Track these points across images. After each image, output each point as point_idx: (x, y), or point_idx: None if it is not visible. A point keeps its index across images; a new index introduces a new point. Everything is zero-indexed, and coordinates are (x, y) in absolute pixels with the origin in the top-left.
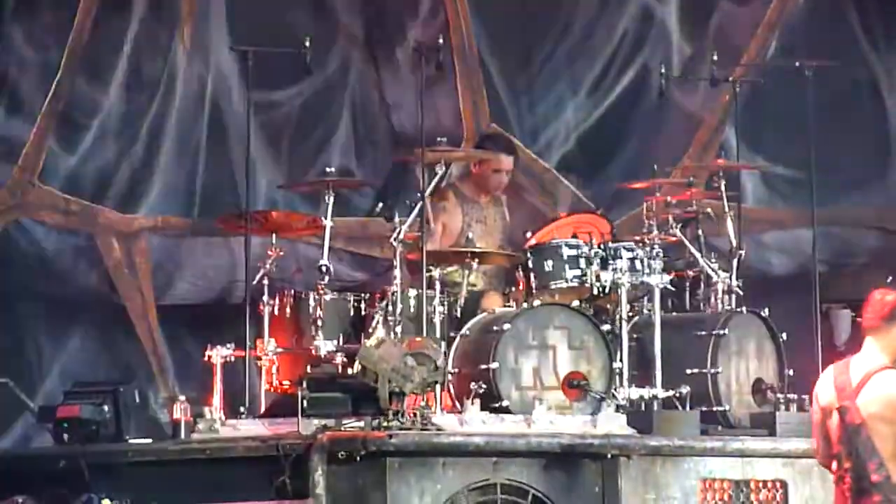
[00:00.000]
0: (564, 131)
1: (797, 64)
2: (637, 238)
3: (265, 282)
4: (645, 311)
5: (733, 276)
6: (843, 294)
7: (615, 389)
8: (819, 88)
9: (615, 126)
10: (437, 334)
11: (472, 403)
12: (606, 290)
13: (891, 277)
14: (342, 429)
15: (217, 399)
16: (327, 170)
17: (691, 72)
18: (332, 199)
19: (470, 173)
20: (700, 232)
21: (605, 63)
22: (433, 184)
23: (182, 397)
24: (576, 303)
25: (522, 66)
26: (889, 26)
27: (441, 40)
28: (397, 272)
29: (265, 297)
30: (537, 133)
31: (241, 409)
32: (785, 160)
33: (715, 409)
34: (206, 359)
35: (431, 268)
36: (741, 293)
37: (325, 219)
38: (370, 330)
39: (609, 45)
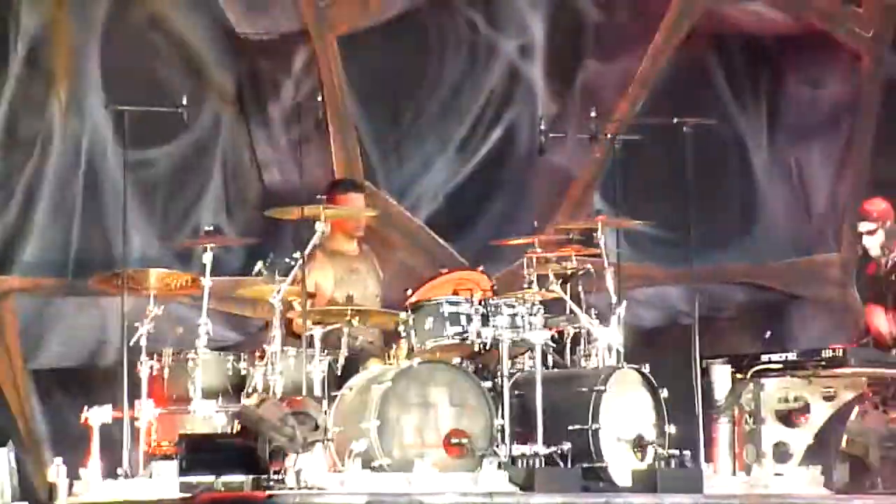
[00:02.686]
0: (433, 189)
1: (675, 121)
2: (518, 294)
3: (143, 343)
4: (526, 367)
5: (614, 332)
6: (716, 348)
7: (497, 447)
8: (689, 146)
9: (483, 183)
10: (318, 393)
11: (353, 462)
12: (487, 346)
13: (769, 332)
14: (221, 489)
15: (94, 461)
16: (206, 228)
17: (558, 129)
18: (210, 257)
19: (331, 225)
20: (580, 288)
21: (473, 121)
22: (314, 241)
23: (58, 460)
24: (457, 360)
25: (392, 124)
26: (755, 87)
27: (319, 97)
28: (277, 331)
29: (143, 358)
30: (406, 191)
31: (119, 470)
32: (653, 217)
33: (596, 465)
34: (83, 421)
35: (311, 326)
36: (622, 349)
37: (204, 278)
38: (250, 389)
39: (477, 104)
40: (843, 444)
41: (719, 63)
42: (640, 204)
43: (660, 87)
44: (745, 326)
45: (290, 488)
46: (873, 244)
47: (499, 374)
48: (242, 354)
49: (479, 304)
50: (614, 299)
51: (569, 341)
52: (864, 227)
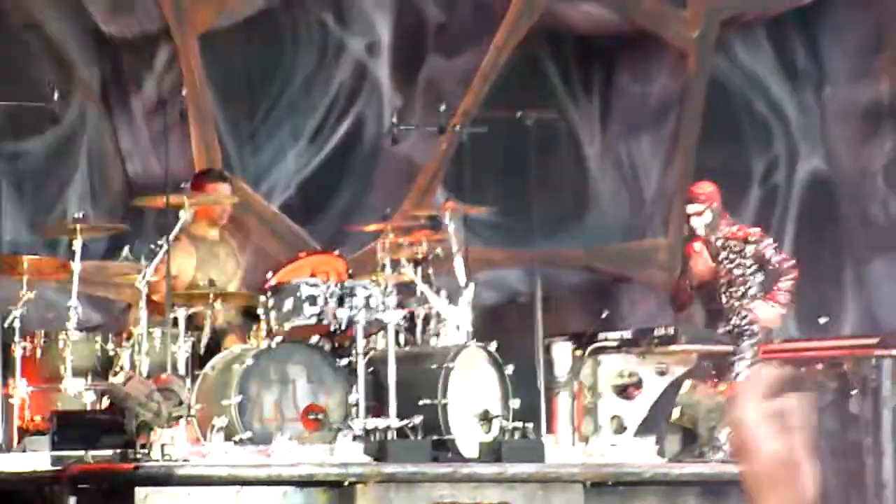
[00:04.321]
0: (286, 177)
1: (518, 114)
2: (372, 277)
3: (16, 325)
4: (380, 346)
5: (462, 313)
6: (556, 328)
7: (351, 420)
8: (528, 137)
9: (333, 172)
10: (182, 371)
11: (216, 436)
12: (343, 326)
13: (606, 312)
14: (91, 461)
15: None
16: (75, 216)
17: (404, 122)
18: (80, 243)
19: (196, 212)
20: (430, 271)
21: (323, 114)
22: (178, 227)
23: None
24: (314, 339)
25: (247, 117)
26: (587, 80)
27: (183, 92)
28: (143, 313)
29: (16, 339)
30: (260, 179)
31: None
32: (495, 204)
33: (445, 437)
34: None
35: (175, 308)
36: (470, 328)
37: (74, 262)
38: (117, 368)
39: (327, 98)
40: (675, 415)
41: (555, 60)
42: (483, 191)
43: (500, 81)
44: (581, 307)
45: (156, 460)
46: (700, 224)
47: (354, 352)
48: (110, 335)
49: (336, 286)
50: (462, 282)
51: (420, 321)
52: (692, 208)
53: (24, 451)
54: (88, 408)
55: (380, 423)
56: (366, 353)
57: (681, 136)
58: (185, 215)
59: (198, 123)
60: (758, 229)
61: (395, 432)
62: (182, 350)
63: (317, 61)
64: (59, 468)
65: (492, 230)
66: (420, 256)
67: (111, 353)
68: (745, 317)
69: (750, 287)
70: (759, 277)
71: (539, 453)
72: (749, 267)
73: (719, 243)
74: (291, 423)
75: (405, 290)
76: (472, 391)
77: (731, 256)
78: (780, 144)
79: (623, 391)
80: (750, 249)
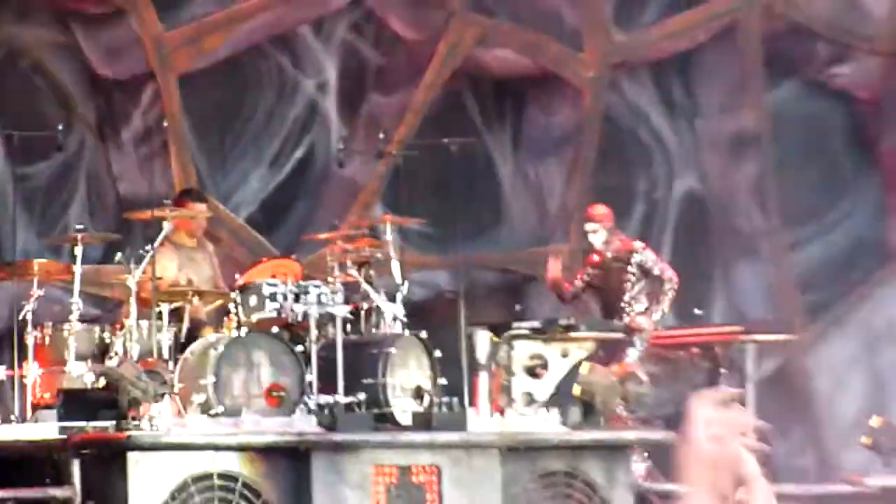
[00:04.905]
0: (250, 195)
1: (445, 140)
2: (323, 278)
3: (29, 317)
4: (330, 335)
5: (398, 307)
6: (477, 318)
7: (307, 397)
8: (452, 160)
9: (290, 191)
10: (166, 356)
11: (194, 410)
12: (299, 319)
13: (519, 305)
14: (91, 431)
15: None
16: (76, 227)
17: (348, 148)
18: (81, 250)
19: (176, 224)
20: (372, 273)
21: (281, 142)
22: (161, 237)
23: None
24: (276, 330)
25: (218, 145)
26: (501, 112)
27: (165, 124)
28: (133, 307)
29: (29, 329)
30: (229, 196)
31: (11, 417)
32: (425, 216)
33: (385, 410)
34: None
35: (160, 303)
36: (405, 320)
37: (75, 266)
38: (112, 354)
39: (284, 129)
40: (576, 391)
41: (474, 96)
42: (415, 206)
43: (429, 114)
44: (497, 302)
45: (145, 430)
46: (597, 240)
47: (308, 340)
48: (106, 326)
49: (293, 285)
50: (398, 281)
51: (363, 314)
52: (588, 227)
53: (35, 422)
54: (89, 387)
55: (330, 399)
56: (318, 341)
57: (579, 159)
58: (167, 227)
59: (177, 150)
60: (641, 243)
61: (343, 407)
62: (166, 338)
63: (276, 98)
64: (64, 437)
65: (422, 238)
66: (363, 260)
67: (107, 341)
68: (630, 317)
69: (637, 292)
70: (643, 284)
71: (463, 423)
72: (634, 275)
73: (611, 255)
74: (257, 400)
75: (351, 288)
76: (407, 372)
77: (621, 265)
78: (660, 167)
79: (532, 371)
80: (636, 258)
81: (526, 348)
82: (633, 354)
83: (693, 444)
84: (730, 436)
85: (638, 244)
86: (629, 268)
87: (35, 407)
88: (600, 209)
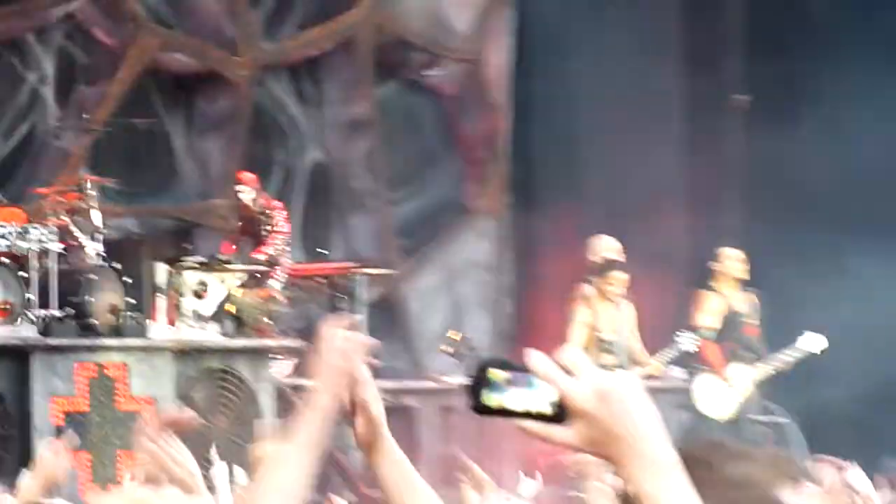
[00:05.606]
0: None
1: (134, 121)
2: (43, 222)
3: None
4: (48, 265)
5: (98, 246)
6: (157, 255)
7: (29, 311)
8: (140, 135)
9: (18, 156)
10: None
11: None
12: (24, 252)
13: (189, 246)
14: None
15: None
16: None
17: (62, 125)
18: None
19: None
20: (80, 219)
21: (11, 120)
22: None
23: None
24: (6, 260)
25: None
26: (176, 100)
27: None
28: None
29: None
30: None
31: None
32: (117, 177)
33: (87, 322)
34: None
35: None
36: (104, 255)
37: None
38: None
39: (14, 109)
40: (230, 308)
41: (158, 87)
42: (111, 169)
43: (123, 100)
44: (171, 242)
45: None
46: (246, 198)
47: (29, 268)
48: None
49: (19, 227)
50: (99, 225)
51: (76, 251)
52: (238, 188)
53: None
54: None
55: (46, 312)
56: (38, 269)
57: (234, 136)
58: None
59: None
60: (279, 202)
61: (55, 318)
62: None
63: (9, 87)
64: None
65: (117, 193)
66: (73, 209)
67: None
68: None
69: (271, 240)
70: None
71: (145, 332)
72: (267, 225)
73: (259, 210)
74: None
75: (63, 230)
76: (104, 293)
77: (265, 218)
78: (294, 142)
79: (198, 294)
80: (274, 214)
81: (193, 277)
82: (273, 282)
83: (322, 355)
84: (351, 351)
85: (276, 203)
86: (268, 220)
87: None
88: (247, 175)
